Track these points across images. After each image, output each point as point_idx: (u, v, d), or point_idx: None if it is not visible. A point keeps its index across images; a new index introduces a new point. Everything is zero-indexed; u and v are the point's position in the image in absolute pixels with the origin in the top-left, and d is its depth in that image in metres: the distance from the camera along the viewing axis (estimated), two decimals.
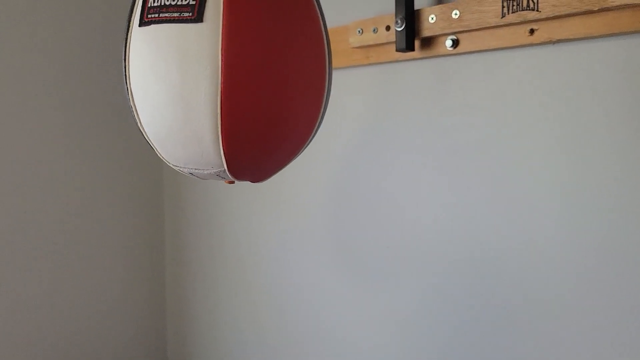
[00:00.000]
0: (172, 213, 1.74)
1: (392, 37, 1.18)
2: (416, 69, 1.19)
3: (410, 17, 1.13)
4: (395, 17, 1.14)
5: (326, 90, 0.67)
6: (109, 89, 1.60)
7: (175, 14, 0.61)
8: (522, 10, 1.01)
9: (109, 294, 1.62)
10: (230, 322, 1.60)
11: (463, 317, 1.14)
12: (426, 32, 1.13)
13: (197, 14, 0.60)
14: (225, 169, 0.65)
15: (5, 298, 1.43)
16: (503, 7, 1.03)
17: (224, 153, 0.63)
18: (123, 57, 0.66)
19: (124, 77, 0.66)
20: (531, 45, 1.04)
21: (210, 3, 0.60)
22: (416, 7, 1.16)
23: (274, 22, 0.61)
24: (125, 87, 0.66)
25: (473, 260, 1.12)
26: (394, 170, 1.23)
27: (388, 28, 1.19)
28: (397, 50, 1.14)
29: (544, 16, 1.00)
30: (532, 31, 1.03)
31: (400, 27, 1.13)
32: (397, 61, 1.21)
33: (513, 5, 1.02)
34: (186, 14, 0.60)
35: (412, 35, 1.14)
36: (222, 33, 0.60)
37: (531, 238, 1.05)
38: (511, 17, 1.03)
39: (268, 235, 1.49)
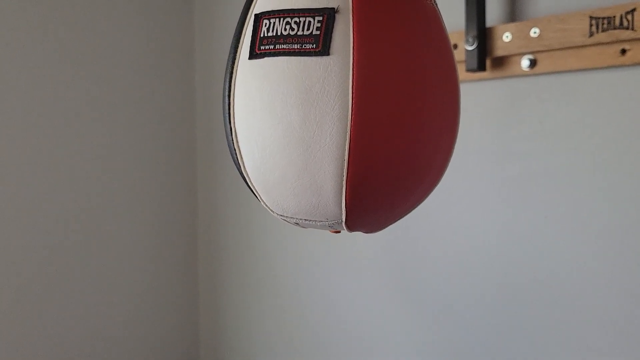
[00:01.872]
0: (206, 216, 1.65)
1: (460, 56, 1.10)
2: (486, 90, 1.11)
3: (482, 36, 1.06)
4: (466, 35, 1.06)
5: (458, 128, 0.59)
6: (151, 97, 1.52)
7: (296, 46, 0.52)
8: (614, 29, 0.94)
9: (141, 298, 1.55)
10: (265, 339, 1.51)
11: (521, 349, 1.06)
12: (499, 52, 1.06)
13: (322, 46, 0.51)
14: (342, 221, 0.56)
15: (35, 297, 1.37)
16: (591, 25, 0.96)
17: (346, 205, 0.54)
18: (226, 93, 0.57)
19: (227, 115, 0.57)
20: (622, 66, 0.97)
21: (338, 33, 0.51)
22: (487, 24, 1.08)
23: (412, 54, 0.52)
24: (228, 126, 0.57)
25: (543, 297, 1.04)
26: (461, 198, 1.15)
27: (455, 47, 1.11)
28: (468, 70, 1.07)
29: (639, 35, 0.92)
30: (623, 51, 0.95)
31: (472, 45, 1.05)
32: (463, 81, 1.13)
33: (603, 24, 0.95)
34: (309, 46, 0.52)
35: (483, 55, 1.06)
36: (353, 68, 0.51)
37: (619, 276, 0.97)
38: (601, 37, 0.95)
39: (312, 250, 1.40)
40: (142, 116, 1.54)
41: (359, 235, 1.29)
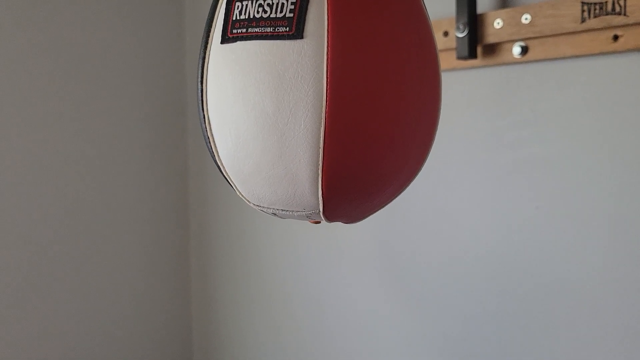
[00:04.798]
0: (197, 214, 1.63)
1: (451, 44, 1.08)
2: (477, 78, 1.09)
3: (473, 22, 1.04)
4: (457, 22, 1.04)
5: (439, 116, 0.57)
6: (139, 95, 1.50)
7: (269, 29, 0.50)
8: (606, 14, 0.92)
9: (132, 297, 1.54)
10: (257, 338, 1.50)
11: (512, 340, 1.04)
12: (491, 39, 1.03)
13: (295, 29, 0.49)
14: (320, 211, 0.55)
15: (26, 296, 1.36)
16: (583, 11, 0.94)
17: (322, 194, 0.53)
18: (199, 80, 0.55)
19: (200, 102, 0.55)
20: (614, 52, 0.94)
21: (312, 16, 0.49)
22: (478, 11, 1.06)
23: (390, 37, 0.50)
24: (201, 114, 0.55)
25: (535, 287, 1.03)
26: (451, 187, 1.13)
27: (446, 34, 1.09)
28: (459, 58, 1.04)
29: (632, 21, 0.90)
30: (616, 37, 0.93)
31: (463, 32, 1.03)
32: (454, 69, 1.11)
33: (595, 9, 0.93)
34: (282, 29, 0.50)
35: (474, 42, 1.04)
36: (328, 52, 0.49)
37: (612, 266, 0.96)
38: (592, 22, 0.93)
39: (305, 248, 1.39)
40: (133, 113, 1.52)
41: (351, 231, 1.28)
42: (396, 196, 0.58)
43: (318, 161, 0.51)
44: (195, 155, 1.61)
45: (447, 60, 1.09)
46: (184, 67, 1.61)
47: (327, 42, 0.49)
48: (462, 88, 1.10)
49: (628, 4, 0.89)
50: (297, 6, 0.50)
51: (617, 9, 0.91)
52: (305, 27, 0.50)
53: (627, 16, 0.90)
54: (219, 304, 1.58)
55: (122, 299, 1.52)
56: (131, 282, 1.54)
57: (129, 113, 1.51)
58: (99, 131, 1.46)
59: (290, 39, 0.50)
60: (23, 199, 1.35)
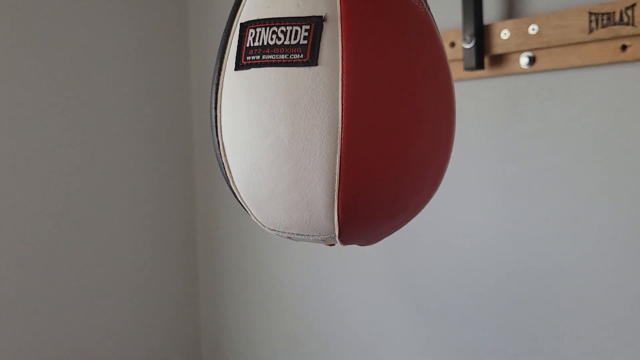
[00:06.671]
0: (204, 216, 1.63)
1: (458, 55, 1.08)
2: (484, 89, 1.09)
3: (479, 33, 1.03)
4: (463, 33, 1.04)
5: (454, 136, 0.57)
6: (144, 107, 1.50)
7: (283, 56, 0.50)
8: (614, 25, 0.92)
9: (140, 300, 1.54)
10: (266, 341, 1.50)
11: (524, 351, 1.04)
12: (498, 49, 1.03)
13: (310, 56, 0.49)
14: (335, 236, 0.55)
15: (32, 296, 1.36)
16: (591, 21, 0.94)
17: (338, 219, 0.53)
18: (213, 106, 0.55)
19: (214, 128, 0.55)
20: (623, 62, 0.94)
21: (326, 42, 0.49)
22: (485, 22, 1.06)
23: (404, 62, 0.50)
24: (216, 140, 0.55)
25: (546, 298, 1.03)
26: (460, 198, 1.13)
27: (453, 45, 1.09)
28: (466, 69, 1.04)
29: None
30: (624, 47, 0.93)
31: (469, 44, 1.03)
32: (461, 80, 1.10)
33: (603, 20, 0.92)
34: (296, 56, 0.50)
35: (481, 53, 1.04)
36: (343, 78, 0.49)
37: (621, 277, 0.96)
38: (600, 33, 0.93)
39: (313, 251, 1.38)
40: (140, 118, 1.52)
41: None
42: (412, 218, 0.58)
43: (334, 187, 0.51)
44: (201, 156, 1.61)
45: (454, 71, 1.09)
46: (190, 95, 1.61)
47: (342, 68, 0.49)
48: (469, 99, 1.10)
49: (636, 14, 0.89)
50: (311, 33, 0.50)
51: (625, 19, 0.90)
52: (320, 54, 0.50)
53: (636, 26, 0.90)
54: (227, 306, 1.58)
55: (128, 303, 1.52)
56: (138, 287, 1.54)
57: (138, 119, 1.51)
58: (107, 137, 1.46)
59: (304, 66, 0.50)
60: (30, 201, 1.35)
